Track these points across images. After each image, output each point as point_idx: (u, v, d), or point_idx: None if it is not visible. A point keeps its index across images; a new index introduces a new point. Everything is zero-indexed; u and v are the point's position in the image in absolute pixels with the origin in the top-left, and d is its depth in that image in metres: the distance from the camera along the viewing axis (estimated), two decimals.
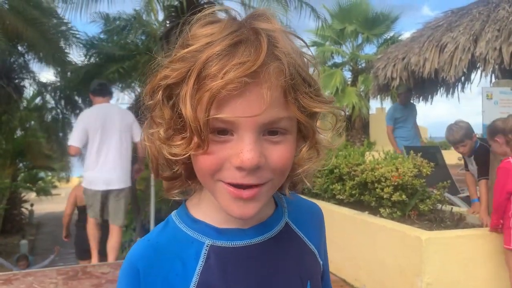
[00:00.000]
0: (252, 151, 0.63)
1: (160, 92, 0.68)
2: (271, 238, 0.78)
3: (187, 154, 0.67)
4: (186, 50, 0.65)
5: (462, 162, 5.20)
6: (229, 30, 0.64)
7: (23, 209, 15.56)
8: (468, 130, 4.14)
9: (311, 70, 0.72)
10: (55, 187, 22.54)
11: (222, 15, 0.73)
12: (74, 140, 4.57)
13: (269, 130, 0.66)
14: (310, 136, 0.73)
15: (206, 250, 0.74)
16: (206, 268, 0.73)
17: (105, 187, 4.65)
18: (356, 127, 16.53)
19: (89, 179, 4.72)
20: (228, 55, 0.61)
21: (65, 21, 10.67)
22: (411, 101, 7.47)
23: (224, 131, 0.65)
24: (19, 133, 14.58)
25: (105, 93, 4.82)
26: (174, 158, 0.69)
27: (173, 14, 8.62)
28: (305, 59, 0.71)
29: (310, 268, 0.83)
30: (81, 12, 9.22)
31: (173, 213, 0.81)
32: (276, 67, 0.62)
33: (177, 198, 0.80)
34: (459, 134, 4.15)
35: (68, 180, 21.24)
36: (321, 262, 0.86)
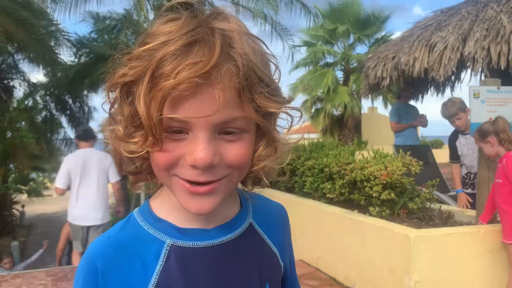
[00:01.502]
0: (205, 149, 0.64)
1: (118, 89, 0.69)
2: (234, 239, 0.78)
3: (144, 151, 0.68)
4: (142, 48, 0.65)
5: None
6: (186, 29, 0.64)
7: (14, 211, 15.42)
8: (461, 104, 4.38)
9: (273, 70, 0.72)
10: (46, 188, 22.38)
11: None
12: (58, 182, 5.10)
13: (224, 130, 0.66)
14: (267, 134, 0.73)
15: (166, 249, 0.74)
16: (166, 268, 0.73)
17: (85, 223, 5.06)
18: (348, 126, 16.56)
19: (72, 215, 5.14)
20: (182, 55, 0.61)
21: (54, 21, 10.60)
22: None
23: (180, 130, 0.65)
24: (9, 134, 14.46)
25: (89, 138, 5.28)
26: (131, 155, 0.69)
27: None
28: (266, 59, 0.71)
29: (271, 270, 0.83)
30: (70, 12, 9.17)
31: (135, 210, 0.80)
32: (229, 68, 0.62)
33: (139, 191, 0.81)
34: (453, 107, 4.41)
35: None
36: (282, 264, 0.86)
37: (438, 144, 18.69)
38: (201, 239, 0.75)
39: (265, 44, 0.73)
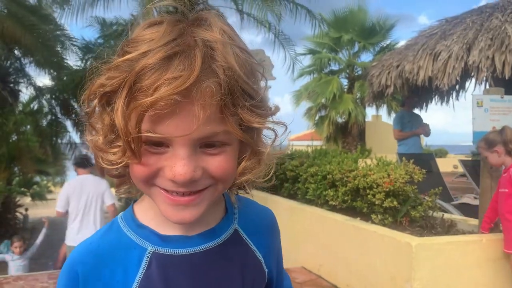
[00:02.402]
0: (185, 166, 0.62)
1: (97, 99, 0.67)
2: (217, 246, 0.77)
3: (124, 163, 0.66)
4: (121, 59, 0.62)
5: (458, 170, 5.22)
6: (167, 39, 0.61)
7: (17, 214, 15.46)
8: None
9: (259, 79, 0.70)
10: (50, 192, 22.44)
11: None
12: (58, 206, 5.57)
13: (207, 143, 0.65)
14: (251, 147, 0.71)
15: (148, 257, 0.72)
16: (147, 276, 0.71)
17: None
18: (352, 134, 16.54)
19: (70, 238, 5.50)
20: (161, 68, 0.59)
21: (61, 27, 10.71)
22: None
23: (160, 142, 0.63)
24: (14, 137, 14.54)
25: (86, 165, 5.71)
26: (111, 167, 0.68)
27: None
28: (251, 68, 0.68)
29: (254, 277, 0.82)
30: (77, 16, 9.24)
31: (119, 215, 0.79)
32: (211, 85, 0.60)
33: (124, 196, 0.79)
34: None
35: (63, 185, 21.16)
36: (266, 271, 0.84)
37: (442, 153, 18.65)
38: (183, 246, 0.74)
39: (250, 54, 0.70)
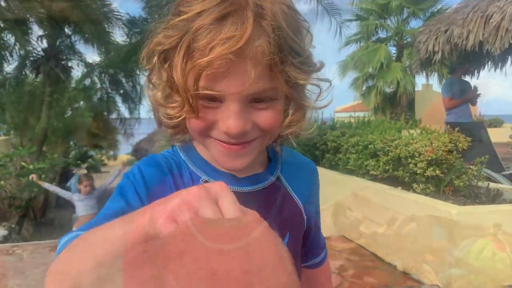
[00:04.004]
0: (237, 119, 0.68)
1: (156, 57, 0.72)
2: (261, 189, 0.83)
3: (182, 117, 0.72)
4: (178, 18, 0.67)
5: None
6: None
7: None
8: None
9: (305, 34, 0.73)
10: (104, 165, 23.40)
11: None
12: None
13: (256, 98, 0.69)
14: (296, 101, 0.76)
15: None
16: None
17: None
18: (401, 104, 16.03)
19: None
20: (216, 29, 0.63)
21: (107, 2, 10.94)
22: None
23: (214, 98, 0.68)
24: (69, 112, 15.22)
25: None
26: (169, 121, 0.75)
27: None
28: (298, 25, 0.72)
29: (292, 222, 0.87)
30: None
31: (178, 145, 0.86)
32: (262, 44, 0.63)
33: (178, 144, 0.86)
34: None
35: (115, 158, 22.02)
36: (305, 217, 0.89)
37: (497, 122, 17.73)
38: (231, 183, 0.80)
39: (296, 11, 0.73)
